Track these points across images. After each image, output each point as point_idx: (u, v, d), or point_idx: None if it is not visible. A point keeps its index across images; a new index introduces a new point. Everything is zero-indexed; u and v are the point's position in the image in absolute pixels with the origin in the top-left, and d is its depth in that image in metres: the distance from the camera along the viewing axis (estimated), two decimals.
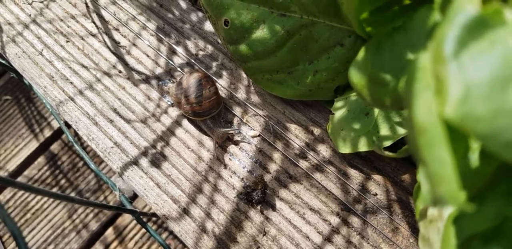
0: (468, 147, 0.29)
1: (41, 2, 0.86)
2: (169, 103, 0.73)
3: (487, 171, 0.30)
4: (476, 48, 0.20)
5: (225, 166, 0.67)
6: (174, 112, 0.72)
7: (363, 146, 0.57)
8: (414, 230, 0.60)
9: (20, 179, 1.10)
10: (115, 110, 0.73)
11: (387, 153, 0.53)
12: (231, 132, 0.69)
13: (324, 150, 0.66)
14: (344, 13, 0.49)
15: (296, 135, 0.68)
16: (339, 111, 0.61)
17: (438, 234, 0.37)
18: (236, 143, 0.69)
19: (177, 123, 0.71)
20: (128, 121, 0.72)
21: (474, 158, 0.30)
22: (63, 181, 1.10)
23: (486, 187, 0.31)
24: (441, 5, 0.28)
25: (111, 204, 0.98)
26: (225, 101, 0.72)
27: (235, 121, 0.71)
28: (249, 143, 0.69)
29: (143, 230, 1.03)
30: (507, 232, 0.30)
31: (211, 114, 0.68)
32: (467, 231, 0.32)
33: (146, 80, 0.76)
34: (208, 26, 0.79)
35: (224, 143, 0.69)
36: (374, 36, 0.41)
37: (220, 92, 0.72)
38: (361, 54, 0.41)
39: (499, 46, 0.20)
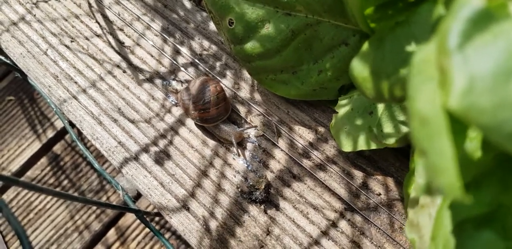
0: (466, 136, 0.29)
1: (46, 2, 0.86)
2: (173, 102, 0.73)
3: (484, 159, 0.30)
4: (480, 40, 0.20)
5: (230, 166, 0.68)
6: (178, 111, 0.73)
7: (365, 144, 0.57)
8: None
9: (23, 179, 1.10)
10: (119, 110, 0.73)
11: (384, 141, 0.53)
12: (246, 130, 0.69)
13: (327, 150, 0.66)
14: (349, 10, 0.49)
15: (300, 135, 0.68)
16: (343, 109, 0.61)
17: (430, 219, 0.37)
18: (240, 143, 0.69)
19: (181, 122, 0.72)
20: (132, 120, 0.72)
21: (472, 146, 0.30)
22: (65, 182, 1.10)
23: (483, 174, 0.31)
24: None
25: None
26: (229, 101, 0.72)
27: (241, 121, 0.71)
28: (253, 143, 0.69)
29: (146, 230, 1.03)
30: (501, 218, 0.30)
31: (218, 121, 0.68)
32: (461, 215, 0.32)
33: (150, 80, 0.76)
34: (212, 26, 0.79)
35: (228, 142, 0.69)
36: (378, 30, 0.42)
37: (226, 93, 0.72)
38: (364, 48, 0.42)
39: (503, 39, 0.20)
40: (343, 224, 0.62)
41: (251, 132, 0.70)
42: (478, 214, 0.31)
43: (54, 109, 0.78)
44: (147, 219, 0.73)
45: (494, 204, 0.31)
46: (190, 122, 0.72)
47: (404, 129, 0.52)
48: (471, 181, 0.31)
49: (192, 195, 0.66)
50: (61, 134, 1.16)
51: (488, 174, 0.31)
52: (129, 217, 1.04)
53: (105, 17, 0.84)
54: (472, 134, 0.30)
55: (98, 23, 0.83)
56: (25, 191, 1.10)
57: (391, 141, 0.53)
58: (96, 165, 0.76)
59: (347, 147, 0.59)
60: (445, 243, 0.32)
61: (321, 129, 0.68)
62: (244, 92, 0.73)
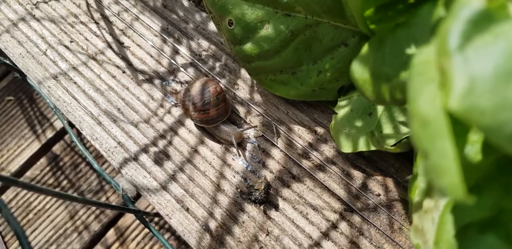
0: (467, 140, 0.29)
1: (46, 2, 0.86)
2: (172, 103, 0.73)
3: (485, 163, 0.30)
4: (480, 41, 0.20)
5: (229, 166, 0.68)
6: (177, 112, 0.73)
7: (365, 146, 0.57)
8: None
9: (22, 179, 1.10)
10: (118, 110, 0.73)
11: (386, 146, 0.53)
12: (245, 131, 0.69)
13: (327, 151, 0.66)
14: (349, 11, 0.49)
15: (299, 136, 0.68)
16: (342, 111, 0.61)
17: (433, 224, 0.37)
18: (240, 143, 0.69)
19: (180, 123, 0.72)
20: (131, 121, 0.72)
21: (472, 150, 0.30)
22: (65, 182, 1.10)
23: (484, 178, 0.31)
24: (446, 0, 0.28)
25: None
26: (229, 102, 0.72)
27: (241, 121, 0.71)
28: (252, 143, 0.69)
29: (145, 231, 1.03)
30: (503, 223, 0.30)
31: (218, 122, 0.68)
32: (464, 220, 0.32)
33: (150, 80, 0.76)
34: (211, 27, 0.79)
35: (228, 143, 0.69)
36: (377, 32, 0.42)
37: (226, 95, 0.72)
38: (364, 50, 0.42)
39: (504, 40, 0.20)
40: (342, 225, 0.62)
41: (251, 133, 0.70)
42: (481, 218, 0.31)
43: (54, 110, 0.78)
44: (147, 219, 0.73)
45: (496, 209, 0.31)
46: (189, 123, 0.72)
47: (404, 130, 0.52)
48: (473, 185, 0.31)
49: (192, 195, 0.66)
50: (60, 134, 1.16)
51: (489, 178, 0.31)
52: (129, 218, 1.04)
53: (104, 17, 0.84)
54: (473, 138, 0.30)
55: (98, 24, 0.83)
56: (24, 191, 1.10)
57: (391, 143, 0.53)
58: (96, 166, 0.76)
59: (346, 148, 0.59)
60: (449, 248, 0.32)
61: (320, 130, 0.68)
62: (244, 93, 0.73)
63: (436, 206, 0.37)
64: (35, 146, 1.15)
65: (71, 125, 0.80)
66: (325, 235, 0.61)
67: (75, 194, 1.09)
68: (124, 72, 0.77)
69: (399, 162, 0.65)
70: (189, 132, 0.71)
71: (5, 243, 1.04)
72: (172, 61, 0.77)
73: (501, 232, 0.30)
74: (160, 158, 0.69)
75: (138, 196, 0.98)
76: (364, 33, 0.50)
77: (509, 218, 0.30)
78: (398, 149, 0.53)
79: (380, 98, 0.39)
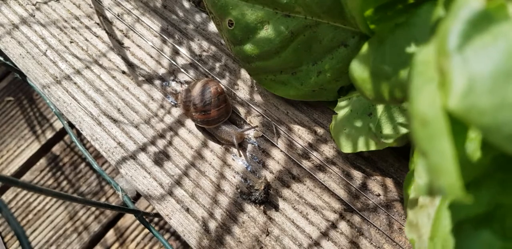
0: (466, 137, 0.30)
1: (45, 3, 0.86)
2: (172, 103, 0.73)
3: (484, 160, 0.30)
4: (480, 42, 0.21)
5: (229, 166, 0.68)
6: (177, 112, 0.73)
7: (365, 146, 0.57)
8: None
9: (22, 180, 1.10)
10: (118, 110, 0.73)
11: (383, 140, 0.53)
12: (246, 131, 0.69)
13: (327, 151, 0.67)
14: (348, 11, 0.49)
15: (299, 136, 0.68)
16: (342, 111, 0.61)
17: (428, 219, 0.37)
18: (240, 143, 0.69)
19: (180, 123, 0.72)
20: (131, 121, 0.72)
21: (471, 147, 0.30)
22: (64, 183, 1.10)
23: (483, 175, 0.31)
24: (445, 0, 0.28)
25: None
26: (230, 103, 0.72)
27: (241, 122, 0.71)
28: (252, 144, 0.69)
29: (145, 231, 1.03)
30: (499, 218, 0.31)
31: (219, 122, 0.68)
32: (460, 215, 0.32)
33: (150, 80, 0.76)
34: (211, 27, 0.79)
35: (228, 143, 0.69)
36: (377, 32, 0.42)
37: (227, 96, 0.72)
38: (363, 49, 0.42)
39: (503, 40, 0.20)
40: (342, 225, 0.62)
41: (251, 133, 0.70)
42: (477, 214, 0.31)
43: (53, 110, 0.78)
44: (147, 219, 0.73)
45: (493, 204, 0.31)
46: (189, 123, 0.72)
47: (403, 130, 0.52)
48: (471, 181, 0.32)
49: (192, 195, 0.66)
50: (60, 135, 1.16)
51: (487, 175, 0.32)
52: (128, 218, 1.04)
53: (104, 18, 0.84)
54: (472, 135, 0.30)
55: (98, 24, 0.83)
56: (24, 192, 1.10)
57: (390, 141, 0.53)
58: (96, 166, 0.76)
59: (346, 148, 0.59)
60: (444, 243, 0.33)
61: (320, 130, 0.68)
62: (244, 93, 0.73)
63: (432, 201, 0.37)
64: (35, 147, 1.15)
65: (71, 125, 0.80)
66: (325, 235, 0.61)
67: (74, 195, 1.09)
68: (124, 72, 0.77)
69: (398, 162, 0.65)
70: (189, 132, 0.71)
71: (5, 243, 1.04)
72: (172, 61, 0.77)
73: (497, 227, 0.30)
74: (160, 158, 0.69)
75: (138, 196, 0.98)
76: (363, 34, 0.50)
77: (505, 213, 0.31)
78: (395, 143, 0.53)
79: (380, 97, 0.39)
